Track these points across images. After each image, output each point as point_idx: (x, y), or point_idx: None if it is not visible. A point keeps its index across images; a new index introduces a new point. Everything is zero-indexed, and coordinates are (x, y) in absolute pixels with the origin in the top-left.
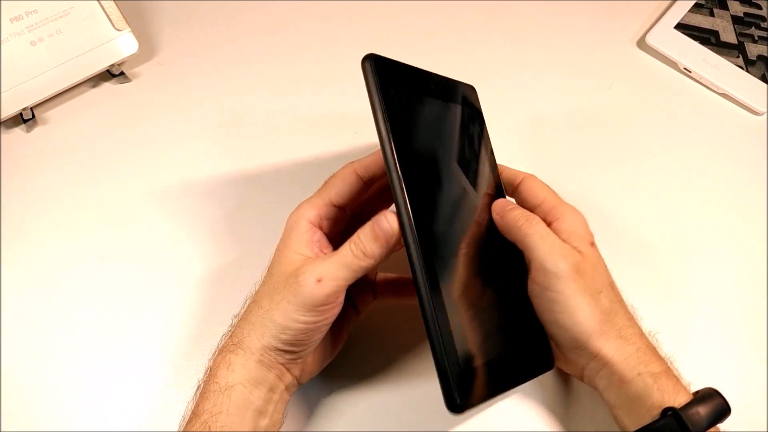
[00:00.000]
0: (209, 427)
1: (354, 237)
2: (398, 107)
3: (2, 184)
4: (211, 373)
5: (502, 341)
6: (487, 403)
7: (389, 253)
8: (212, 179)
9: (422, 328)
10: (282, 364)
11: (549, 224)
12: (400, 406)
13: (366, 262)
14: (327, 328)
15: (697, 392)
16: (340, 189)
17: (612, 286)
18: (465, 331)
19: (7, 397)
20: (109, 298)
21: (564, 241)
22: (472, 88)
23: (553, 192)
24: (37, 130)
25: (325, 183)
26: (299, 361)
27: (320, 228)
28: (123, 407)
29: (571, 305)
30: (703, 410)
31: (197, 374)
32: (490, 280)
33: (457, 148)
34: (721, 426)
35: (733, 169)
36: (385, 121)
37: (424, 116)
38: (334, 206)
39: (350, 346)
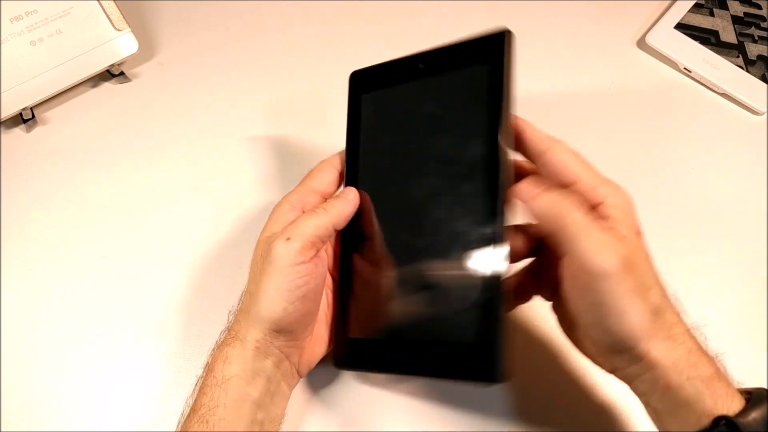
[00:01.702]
0: (207, 420)
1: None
2: (365, 109)
3: (2, 184)
4: (209, 368)
5: (407, 319)
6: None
7: (351, 210)
8: (213, 179)
9: None
10: (279, 348)
11: (590, 208)
12: (401, 405)
13: (329, 216)
14: (317, 296)
15: (748, 393)
16: (318, 177)
17: (659, 278)
18: (364, 306)
19: (7, 397)
20: (109, 298)
21: (609, 228)
22: (490, 41)
23: (589, 165)
24: (37, 130)
25: (304, 177)
26: (297, 344)
27: (302, 211)
28: (123, 407)
29: (620, 308)
30: (758, 416)
31: (197, 374)
32: (412, 266)
33: (420, 131)
34: None
35: (733, 169)
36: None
37: (391, 107)
38: (315, 191)
39: None
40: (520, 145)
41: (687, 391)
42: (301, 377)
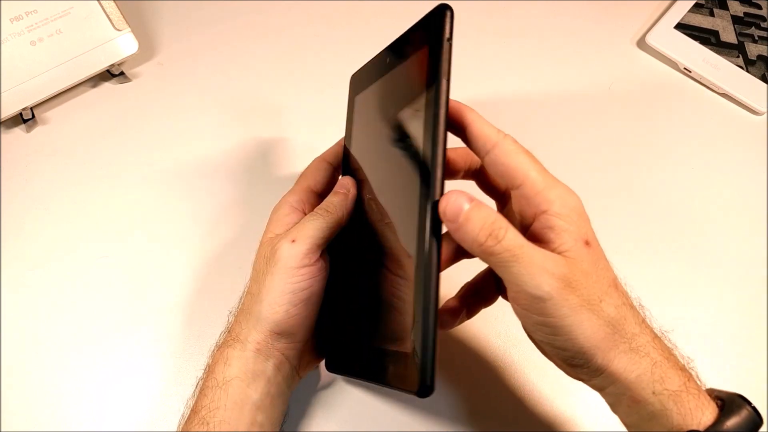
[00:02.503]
0: (207, 422)
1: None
2: (356, 105)
3: (2, 184)
4: (209, 370)
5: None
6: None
7: (350, 204)
8: (212, 179)
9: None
10: (280, 351)
11: (533, 218)
12: (401, 405)
13: (331, 216)
14: (317, 299)
15: (721, 400)
16: (315, 176)
17: (615, 286)
18: (344, 310)
19: (7, 397)
20: (109, 298)
21: (553, 239)
22: (431, 20)
23: (537, 165)
24: (37, 130)
25: (300, 176)
26: (298, 346)
27: (303, 212)
28: (123, 407)
29: (567, 326)
30: (732, 426)
31: (197, 374)
32: (361, 266)
33: (371, 127)
34: None
35: (733, 169)
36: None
37: (369, 105)
38: (313, 191)
39: None
40: (465, 139)
41: (654, 407)
42: (301, 378)
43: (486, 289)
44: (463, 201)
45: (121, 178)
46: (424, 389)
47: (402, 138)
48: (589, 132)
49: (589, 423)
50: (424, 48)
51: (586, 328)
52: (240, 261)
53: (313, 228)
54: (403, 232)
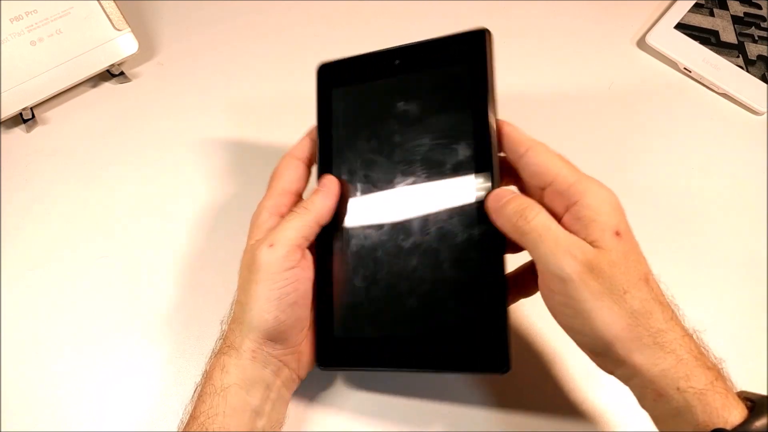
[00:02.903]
0: (206, 429)
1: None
2: (336, 102)
3: (2, 184)
4: (207, 376)
5: (396, 316)
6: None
7: (332, 203)
8: (212, 179)
9: None
10: (276, 357)
11: (566, 209)
12: (401, 405)
13: (310, 215)
14: (306, 300)
15: (751, 401)
16: (287, 176)
17: (646, 281)
18: (349, 303)
19: (7, 397)
20: (109, 298)
21: (580, 230)
22: (465, 39)
23: (569, 164)
24: (37, 130)
25: (272, 177)
26: (293, 350)
27: (281, 216)
28: (123, 407)
29: (586, 311)
30: (760, 428)
31: (197, 374)
32: (394, 257)
33: (389, 126)
34: None
35: (733, 169)
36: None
37: (367, 102)
38: (288, 192)
39: None
40: (501, 146)
41: (678, 403)
42: (302, 379)
43: (526, 280)
44: (507, 192)
45: (121, 178)
46: (506, 365)
47: (442, 137)
48: (588, 132)
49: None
50: (463, 65)
51: (605, 316)
52: (240, 262)
53: (291, 228)
54: (457, 219)
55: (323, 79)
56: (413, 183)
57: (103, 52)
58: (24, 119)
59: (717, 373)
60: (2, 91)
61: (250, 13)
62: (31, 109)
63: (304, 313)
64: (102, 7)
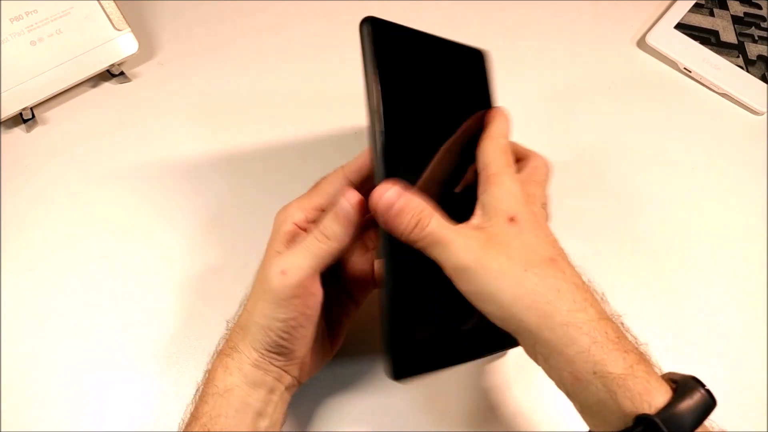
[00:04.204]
0: (209, 429)
1: (318, 223)
2: (391, 71)
3: (2, 184)
4: (209, 377)
5: (455, 310)
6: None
7: (353, 231)
8: (213, 179)
9: None
10: (278, 367)
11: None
12: (401, 406)
13: (329, 245)
14: (311, 323)
15: (674, 383)
16: (330, 195)
17: (552, 261)
18: (420, 298)
19: (7, 397)
20: (110, 298)
21: (482, 217)
22: (479, 54)
23: (504, 156)
24: (37, 130)
25: (316, 186)
26: (296, 361)
27: (304, 230)
28: (123, 407)
29: (491, 292)
30: (684, 409)
31: (198, 374)
32: None
33: (447, 116)
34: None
35: (733, 169)
36: (375, 86)
37: (418, 81)
38: (322, 211)
39: (350, 346)
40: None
41: (597, 389)
42: (300, 383)
43: None
44: (394, 193)
45: (121, 178)
46: None
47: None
48: (588, 132)
49: None
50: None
51: (508, 293)
52: (240, 263)
53: (307, 257)
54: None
55: (378, 38)
56: (457, 169)
57: (103, 52)
58: (24, 119)
59: (638, 356)
60: (2, 91)
61: (250, 13)
62: (31, 109)
63: (308, 332)
64: (102, 7)
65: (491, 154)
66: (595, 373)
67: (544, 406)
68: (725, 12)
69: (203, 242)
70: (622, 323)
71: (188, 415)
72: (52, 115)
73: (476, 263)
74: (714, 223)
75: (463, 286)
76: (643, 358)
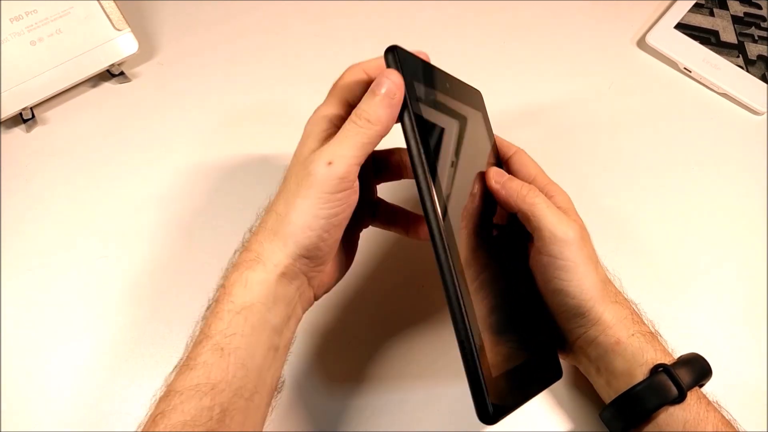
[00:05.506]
0: (221, 348)
1: (355, 110)
2: (417, 97)
3: (2, 184)
4: (225, 291)
5: (521, 341)
6: None
7: (394, 114)
8: (213, 179)
9: (424, 327)
10: (304, 273)
11: None
12: (401, 406)
13: (374, 130)
14: (346, 221)
15: (680, 356)
16: (354, 90)
17: (598, 264)
18: (490, 329)
19: (7, 397)
20: (110, 298)
21: (564, 212)
22: (478, 92)
23: (542, 170)
24: (37, 130)
25: (335, 86)
26: (322, 268)
27: (337, 128)
28: (123, 407)
29: (580, 273)
30: (687, 369)
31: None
32: (498, 271)
33: (466, 143)
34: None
35: (733, 169)
36: (408, 101)
37: (438, 108)
38: (350, 106)
39: (350, 346)
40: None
41: (633, 345)
42: (316, 300)
43: (400, 217)
44: (503, 171)
45: (121, 179)
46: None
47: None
48: (589, 131)
49: None
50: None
51: (591, 278)
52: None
53: (352, 146)
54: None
55: (405, 66)
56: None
57: (103, 52)
58: (24, 119)
59: (655, 329)
60: (2, 91)
61: (250, 13)
62: (31, 109)
63: (339, 235)
64: (102, 7)
65: (535, 165)
66: (633, 333)
67: (543, 406)
68: (725, 12)
69: (203, 242)
70: (639, 308)
71: (197, 331)
72: (52, 115)
73: (578, 242)
74: (714, 223)
75: (556, 260)
76: (657, 331)
